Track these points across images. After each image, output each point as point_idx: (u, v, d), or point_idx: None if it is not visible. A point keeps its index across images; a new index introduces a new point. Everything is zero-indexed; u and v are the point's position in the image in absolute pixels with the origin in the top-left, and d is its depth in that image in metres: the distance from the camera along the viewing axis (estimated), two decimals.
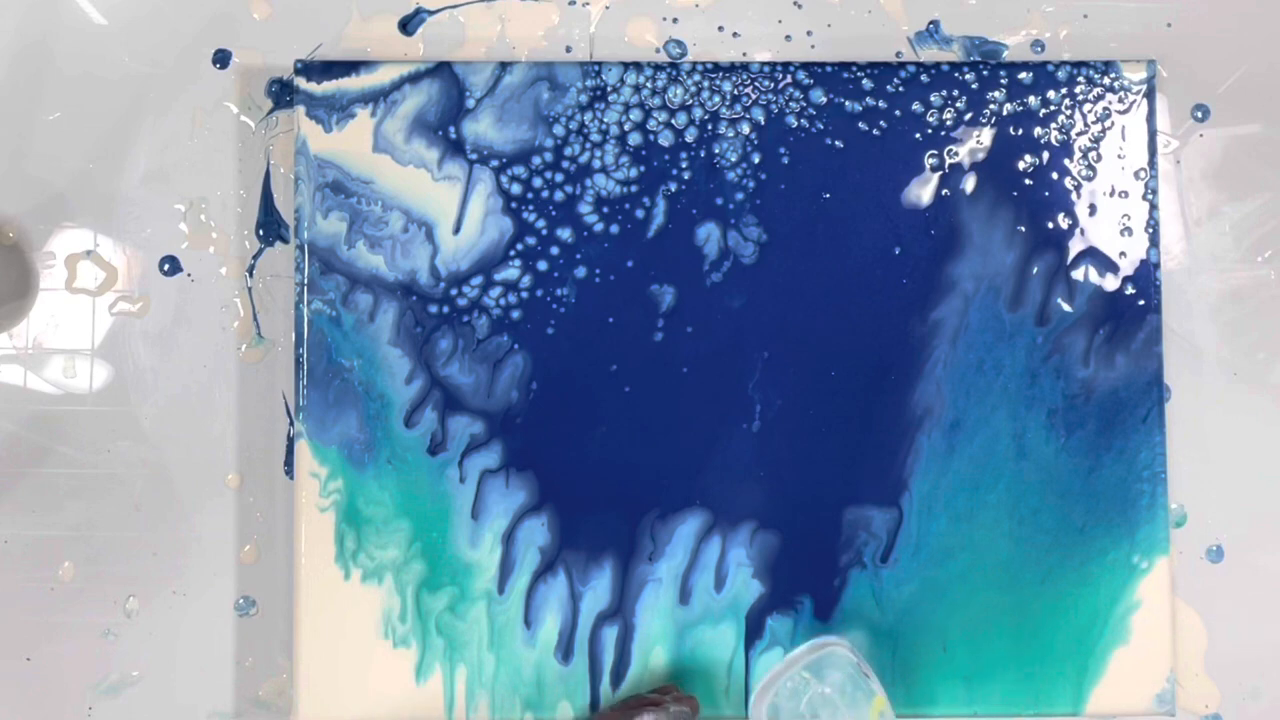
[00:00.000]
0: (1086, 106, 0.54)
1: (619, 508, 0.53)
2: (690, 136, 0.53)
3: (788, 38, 0.55)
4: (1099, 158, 0.54)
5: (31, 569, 0.53)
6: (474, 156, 0.53)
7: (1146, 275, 0.54)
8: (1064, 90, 0.54)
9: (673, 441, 0.53)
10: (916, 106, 0.54)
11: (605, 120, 0.53)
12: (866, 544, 0.52)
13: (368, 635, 0.52)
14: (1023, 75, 0.54)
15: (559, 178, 0.53)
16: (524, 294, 0.53)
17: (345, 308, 0.53)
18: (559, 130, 0.53)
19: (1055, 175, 0.54)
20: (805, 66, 0.54)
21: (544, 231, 0.53)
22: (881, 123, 0.54)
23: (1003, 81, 0.54)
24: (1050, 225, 0.54)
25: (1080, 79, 0.54)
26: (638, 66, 0.54)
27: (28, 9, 0.55)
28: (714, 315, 0.53)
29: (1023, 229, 0.53)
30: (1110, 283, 0.53)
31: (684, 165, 0.53)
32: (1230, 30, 0.56)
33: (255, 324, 0.54)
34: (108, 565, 0.54)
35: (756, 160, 0.53)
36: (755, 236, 0.53)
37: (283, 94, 0.55)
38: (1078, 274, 0.53)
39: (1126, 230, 0.54)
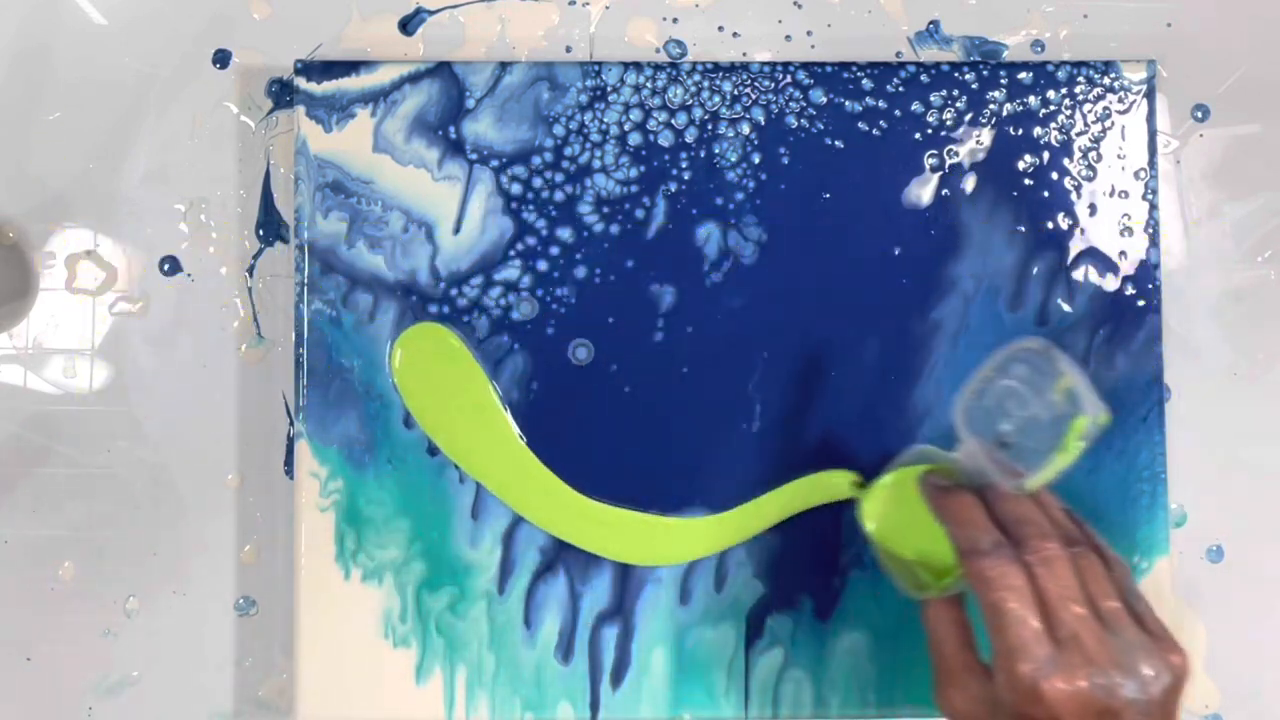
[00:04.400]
0: (1086, 106, 0.54)
1: (619, 507, 0.53)
2: (690, 136, 0.53)
3: (788, 38, 0.55)
4: (1099, 158, 0.54)
5: (31, 569, 0.53)
6: (474, 156, 0.53)
7: (1146, 275, 0.53)
8: (1064, 90, 0.54)
9: (673, 441, 0.53)
10: (916, 106, 0.54)
11: (605, 120, 0.53)
12: (867, 544, 0.52)
13: (368, 635, 0.52)
14: (1023, 75, 0.54)
15: (559, 178, 0.53)
16: (524, 294, 0.53)
17: (345, 308, 0.53)
18: (559, 130, 0.53)
19: (1055, 175, 0.54)
20: (805, 66, 0.54)
21: (544, 231, 0.53)
22: (881, 123, 0.54)
23: (1003, 81, 0.54)
24: (1050, 225, 0.54)
25: (1080, 79, 0.54)
26: (638, 66, 0.54)
27: (28, 9, 0.55)
28: (714, 315, 0.53)
29: (1023, 229, 0.53)
30: (1110, 283, 0.53)
31: (684, 165, 0.53)
32: (1230, 30, 0.56)
33: (255, 324, 0.54)
34: (108, 565, 0.54)
35: (756, 160, 0.53)
36: (755, 236, 0.53)
37: (283, 94, 0.55)
38: (1078, 274, 0.53)
39: (1126, 230, 0.54)
